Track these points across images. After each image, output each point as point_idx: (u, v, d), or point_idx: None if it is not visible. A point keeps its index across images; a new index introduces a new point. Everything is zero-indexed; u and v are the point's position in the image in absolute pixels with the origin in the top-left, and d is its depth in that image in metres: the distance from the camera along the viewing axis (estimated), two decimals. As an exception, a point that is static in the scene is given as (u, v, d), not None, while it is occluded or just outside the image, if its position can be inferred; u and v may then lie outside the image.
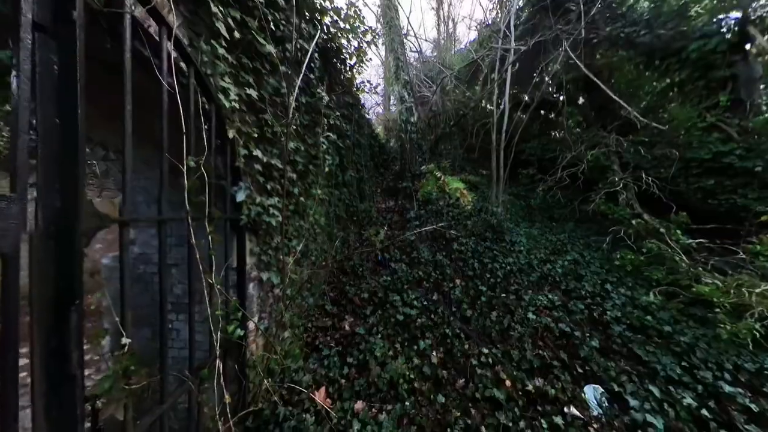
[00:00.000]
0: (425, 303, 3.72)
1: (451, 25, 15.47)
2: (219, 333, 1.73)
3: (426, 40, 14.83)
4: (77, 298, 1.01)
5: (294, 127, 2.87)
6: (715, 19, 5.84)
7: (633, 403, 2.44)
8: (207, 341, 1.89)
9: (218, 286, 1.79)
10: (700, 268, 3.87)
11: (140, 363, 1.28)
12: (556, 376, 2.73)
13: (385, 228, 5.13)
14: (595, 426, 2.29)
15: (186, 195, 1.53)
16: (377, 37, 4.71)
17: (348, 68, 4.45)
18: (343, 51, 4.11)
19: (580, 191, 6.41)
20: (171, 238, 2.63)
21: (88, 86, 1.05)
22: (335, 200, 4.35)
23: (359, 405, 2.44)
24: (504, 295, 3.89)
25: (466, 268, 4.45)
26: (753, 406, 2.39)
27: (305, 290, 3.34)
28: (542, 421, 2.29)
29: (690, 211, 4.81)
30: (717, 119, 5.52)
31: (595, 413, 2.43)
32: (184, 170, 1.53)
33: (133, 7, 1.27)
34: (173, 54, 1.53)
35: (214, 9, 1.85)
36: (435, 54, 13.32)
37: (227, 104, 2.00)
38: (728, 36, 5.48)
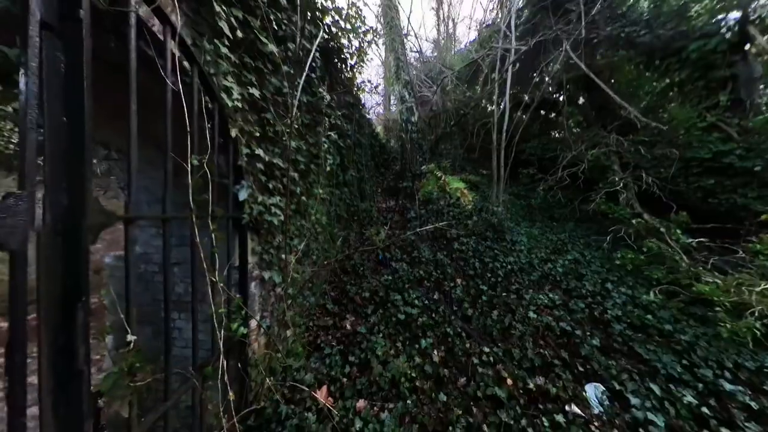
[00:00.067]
0: (426, 302, 3.72)
1: (451, 25, 15.49)
2: (222, 331, 1.74)
3: (426, 40, 14.85)
4: (84, 295, 1.02)
5: (296, 126, 2.87)
6: (715, 19, 5.85)
7: (634, 401, 2.45)
8: (209, 340, 1.90)
9: (221, 285, 1.80)
10: (701, 268, 3.88)
11: (144, 360, 1.29)
12: (557, 374, 2.74)
13: (386, 227, 5.13)
14: (596, 424, 2.30)
15: (190, 193, 1.54)
16: (378, 36, 4.72)
17: (349, 68, 4.46)
18: (344, 51, 4.12)
19: (580, 191, 6.42)
20: (172, 238, 2.64)
21: (92, 86, 1.06)
22: (336, 200, 4.36)
23: (361, 403, 2.45)
24: (505, 294, 3.89)
25: (467, 267, 4.46)
26: (753, 404, 2.40)
27: (306, 289, 3.35)
28: (543, 419, 2.30)
29: (690, 211, 4.82)
30: (717, 119, 5.53)
31: (596, 411, 2.44)
32: (189, 169, 1.54)
33: (137, 6, 1.27)
34: (177, 53, 1.54)
35: (217, 8, 1.86)
36: (435, 54, 13.33)
37: (230, 103, 2.01)
38: (728, 36, 5.49)
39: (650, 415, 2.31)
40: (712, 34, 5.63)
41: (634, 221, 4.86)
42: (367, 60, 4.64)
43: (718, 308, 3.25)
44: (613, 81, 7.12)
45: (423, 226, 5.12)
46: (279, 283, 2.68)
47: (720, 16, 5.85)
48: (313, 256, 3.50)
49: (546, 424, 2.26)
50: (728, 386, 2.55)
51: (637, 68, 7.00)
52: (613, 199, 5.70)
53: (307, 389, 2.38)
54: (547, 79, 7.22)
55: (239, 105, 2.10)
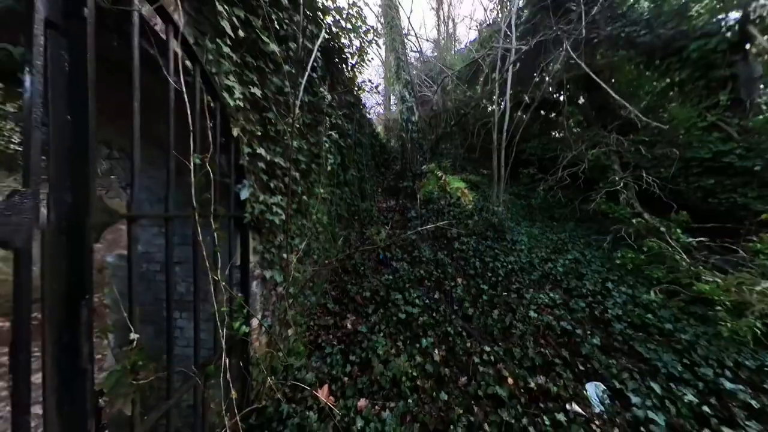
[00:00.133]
0: (427, 301, 3.73)
1: (451, 25, 15.50)
2: (225, 330, 1.74)
3: (427, 40, 14.85)
4: (87, 293, 1.02)
5: (297, 125, 2.87)
6: (715, 19, 5.85)
7: (634, 400, 2.46)
8: (211, 339, 1.90)
9: (224, 283, 1.80)
10: (701, 267, 3.89)
11: (147, 359, 1.29)
12: (558, 373, 2.75)
13: (387, 227, 5.14)
14: (597, 423, 2.31)
15: (193, 192, 1.54)
16: (378, 36, 4.72)
17: (349, 67, 4.46)
18: (345, 50, 4.12)
19: (580, 191, 6.43)
20: (174, 237, 2.64)
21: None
22: (337, 199, 4.36)
23: (362, 402, 2.45)
24: (505, 293, 3.90)
25: (468, 266, 4.46)
26: (754, 402, 2.40)
27: (307, 289, 3.35)
28: (545, 418, 2.30)
29: (690, 210, 4.83)
30: (717, 119, 5.54)
31: (597, 410, 2.44)
32: (191, 168, 1.54)
33: (140, 5, 1.27)
34: (179, 52, 1.54)
35: (219, 7, 1.86)
36: (435, 54, 13.33)
37: (232, 102, 2.01)
38: (728, 35, 5.49)
39: (651, 414, 2.31)
40: (713, 34, 5.64)
41: (634, 221, 4.87)
42: (368, 60, 4.63)
43: (718, 307, 3.26)
44: (613, 81, 7.13)
45: (423, 226, 5.13)
46: (280, 282, 2.68)
47: (720, 16, 5.85)
48: (314, 256, 3.50)
49: (547, 422, 2.26)
50: (729, 385, 2.56)
51: (637, 68, 7.01)
52: (614, 198, 5.71)
53: (308, 388, 2.39)
54: (547, 78, 7.22)
55: (241, 104, 2.10)
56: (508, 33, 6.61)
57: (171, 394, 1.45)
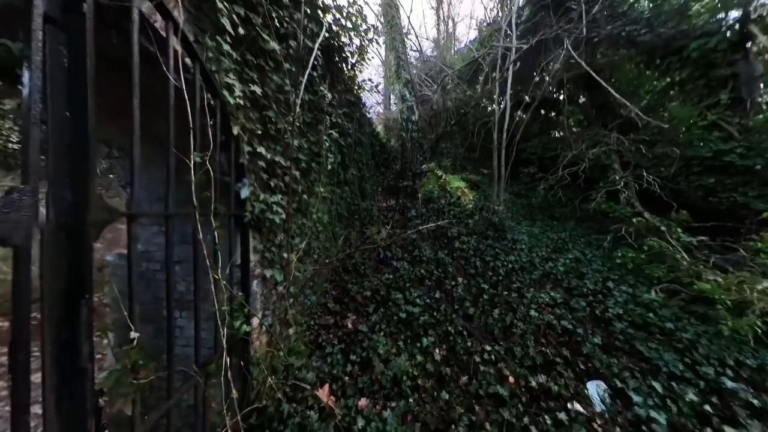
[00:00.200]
0: (428, 301, 3.72)
1: (451, 24, 15.48)
2: (225, 329, 1.73)
3: (427, 39, 14.84)
4: (87, 291, 1.01)
5: (298, 124, 2.86)
6: (715, 18, 5.85)
7: (636, 399, 2.45)
8: (211, 338, 1.89)
9: (224, 282, 1.79)
10: (701, 266, 3.88)
11: (147, 358, 1.28)
12: (559, 372, 2.74)
13: (387, 226, 5.13)
14: (598, 422, 2.30)
15: (193, 191, 1.53)
16: (379, 35, 4.71)
17: (350, 66, 4.45)
18: (345, 49, 4.11)
19: (580, 190, 6.42)
20: (174, 235, 2.63)
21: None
22: (337, 198, 4.35)
23: (363, 402, 2.44)
24: (506, 292, 3.89)
25: (468, 266, 4.46)
26: (755, 401, 2.40)
27: (308, 288, 3.34)
28: (546, 417, 2.29)
29: (691, 210, 4.82)
30: (718, 118, 5.54)
31: (598, 409, 2.44)
32: (191, 166, 1.53)
33: (140, 2, 1.26)
34: (179, 49, 1.52)
35: (219, 4, 1.85)
36: (435, 53, 13.32)
37: (232, 101, 2.00)
38: (729, 34, 5.49)
39: (652, 413, 2.31)
40: (713, 33, 5.63)
41: (634, 220, 4.87)
42: (368, 59, 4.62)
43: (719, 306, 3.25)
44: (613, 80, 7.11)
45: (424, 225, 5.12)
46: (281, 281, 2.67)
47: (721, 15, 5.85)
48: (314, 255, 3.49)
49: (549, 422, 2.26)
50: (730, 384, 2.55)
51: (637, 67, 7.00)
52: (614, 198, 5.70)
53: (309, 388, 2.38)
54: (547, 78, 7.21)
55: (241, 102, 2.09)
56: (509, 32, 6.60)
57: (171, 393, 1.44)
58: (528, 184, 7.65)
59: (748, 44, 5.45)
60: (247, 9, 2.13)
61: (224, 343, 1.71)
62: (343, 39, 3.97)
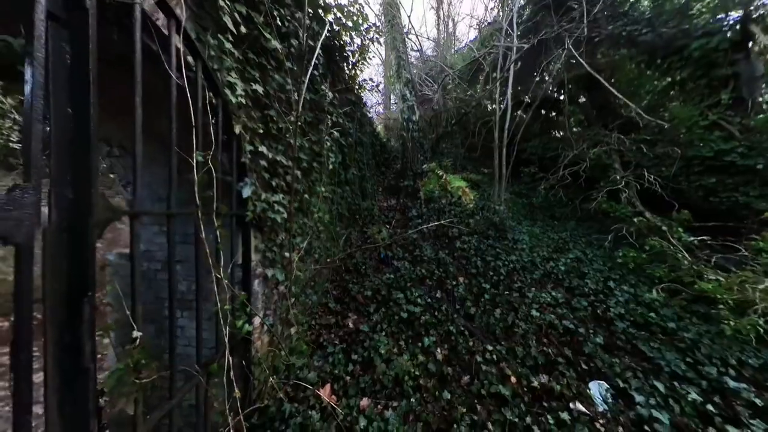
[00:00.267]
0: (429, 300, 3.71)
1: (451, 24, 15.46)
2: (227, 328, 1.72)
3: (427, 39, 14.82)
4: (90, 291, 1.01)
5: (300, 123, 2.86)
6: (716, 18, 5.84)
7: (638, 398, 2.45)
8: (212, 338, 1.88)
9: (226, 282, 1.78)
10: (703, 266, 3.88)
11: (148, 358, 1.28)
12: (561, 372, 2.74)
13: (388, 226, 5.12)
14: (601, 421, 2.30)
15: (196, 190, 1.52)
16: (379, 34, 4.69)
17: (350, 66, 4.44)
18: (346, 48, 4.10)
19: (581, 190, 6.41)
20: (175, 235, 2.63)
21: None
22: (338, 198, 4.34)
23: (365, 402, 2.43)
24: (507, 292, 3.89)
25: (469, 265, 4.45)
26: (757, 400, 2.40)
27: (309, 288, 3.33)
28: (548, 417, 2.29)
29: (691, 209, 4.83)
30: (719, 117, 5.53)
31: (600, 409, 2.43)
32: (194, 165, 1.52)
33: (142, -1, 1.25)
34: (181, 48, 1.52)
35: (221, 3, 1.84)
36: (436, 53, 13.30)
37: (234, 99, 1.99)
38: (730, 34, 5.48)
39: (655, 413, 2.30)
40: (714, 33, 5.63)
41: (635, 220, 4.87)
42: (369, 58, 4.61)
43: (721, 306, 3.25)
44: (614, 80, 7.11)
45: (425, 225, 5.11)
46: (282, 281, 2.66)
47: (722, 15, 5.84)
48: (315, 255, 3.48)
49: (551, 421, 2.25)
50: (732, 383, 2.55)
51: (638, 67, 6.99)
52: (615, 197, 5.70)
53: (310, 387, 2.37)
54: (548, 78, 7.21)
55: (243, 101, 2.08)
56: (510, 32, 6.59)
57: (173, 393, 1.44)
58: (529, 184, 7.65)
59: (750, 44, 5.44)
60: (249, 7, 2.12)
61: (226, 342, 1.70)
62: (344, 38, 3.96)
